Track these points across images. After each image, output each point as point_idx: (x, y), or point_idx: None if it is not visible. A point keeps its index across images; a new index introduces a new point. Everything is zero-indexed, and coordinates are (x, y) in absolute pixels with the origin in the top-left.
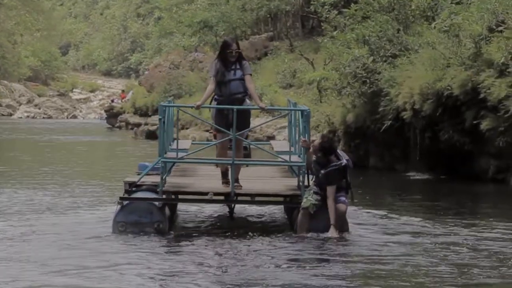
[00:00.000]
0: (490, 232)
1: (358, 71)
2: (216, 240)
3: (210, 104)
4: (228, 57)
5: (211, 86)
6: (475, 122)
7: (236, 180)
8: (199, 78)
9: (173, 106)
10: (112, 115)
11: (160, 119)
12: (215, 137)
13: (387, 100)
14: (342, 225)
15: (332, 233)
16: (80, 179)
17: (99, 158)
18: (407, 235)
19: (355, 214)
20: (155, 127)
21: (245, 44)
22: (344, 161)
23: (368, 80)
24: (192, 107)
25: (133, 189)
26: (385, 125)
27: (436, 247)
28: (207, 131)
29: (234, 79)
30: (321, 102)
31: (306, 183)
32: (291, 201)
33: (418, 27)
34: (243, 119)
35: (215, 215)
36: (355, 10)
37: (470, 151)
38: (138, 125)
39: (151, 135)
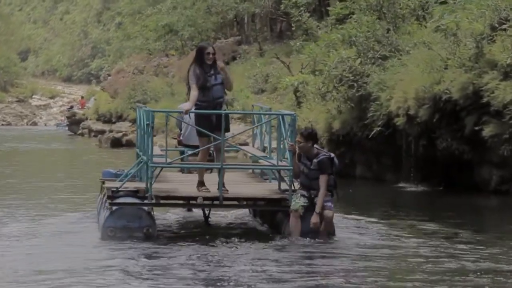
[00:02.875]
0: (496, 249)
1: (344, 74)
2: (201, 245)
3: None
4: (205, 61)
5: (194, 92)
6: (476, 128)
7: (223, 185)
8: (165, 84)
9: (162, 112)
10: (74, 122)
11: (147, 125)
12: (179, 143)
13: (377, 105)
14: (329, 229)
15: (314, 219)
16: (50, 189)
17: (65, 167)
18: (396, 240)
19: (343, 222)
20: (120, 134)
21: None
22: (332, 154)
23: (355, 84)
24: (181, 112)
25: (116, 194)
26: (374, 132)
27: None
28: (175, 138)
29: (216, 84)
30: (299, 107)
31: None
32: (280, 205)
33: (409, 26)
34: (226, 123)
35: (191, 220)
36: (341, 9)
37: (470, 160)
38: (101, 132)
39: (116, 143)
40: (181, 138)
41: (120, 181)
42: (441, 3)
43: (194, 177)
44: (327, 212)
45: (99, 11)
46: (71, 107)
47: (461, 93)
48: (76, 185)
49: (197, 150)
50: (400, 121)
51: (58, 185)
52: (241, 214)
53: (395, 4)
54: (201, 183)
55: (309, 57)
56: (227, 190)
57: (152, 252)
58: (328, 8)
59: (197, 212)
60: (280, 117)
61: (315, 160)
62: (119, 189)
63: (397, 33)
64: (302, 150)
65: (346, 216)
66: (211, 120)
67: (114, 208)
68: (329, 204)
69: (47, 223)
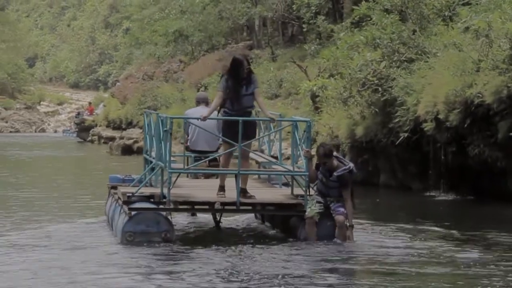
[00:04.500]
0: None
1: (368, 78)
2: (219, 248)
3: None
4: (241, 75)
5: (218, 100)
6: (510, 134)
7: (243, 190)
8: (175, 89)
9: (179, 118)
10: (83, 129)
11: (165, 131)
12: (186, 148)
13: (403, 110)
14: (343, 234)
15: (349, 234)
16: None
17: (78, 175)
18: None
19: (373, 230)
20: (131, 141)
21: (222, 53)
22: (351, 165)
23: (380, 88)
24: (198, 119)
25: (132, 199)
26: (401, 138)
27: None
28: (182, 143)
29: (247, 94)
30: (318, 113)
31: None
32: (295, 210)
33: (435, 28)
34: (253, 130)
35: (200, 225)
36: (366, 9)
37: (503, 169)
38: (111, 139)
39: (127, 150)
40: (188, 144)
41: (134, 186)
42: (464, 4)
43: (206, 182)
44: (338, 217)
45: (107, 17)
46: (78, 113)
47: (495, 97)
48: (91, 192)
49: (210, 158)
50: (428, 126)
51: (72, 192)
52: (248, 219)
53: (420, 4)
54: (221, 188)
55: (327, 61)
56: (253, 196)
57: (171, 257)
58: (343, 11)
59: (200, 217)
60: (295, 123)
61: (335, 174)
62: (135, 194)
63: (423, 35)
64: (329, 167)
65: (373, 223)
66: (237, 129)
67: (133, 213)
68: (341, 209)
69: (59, 229)
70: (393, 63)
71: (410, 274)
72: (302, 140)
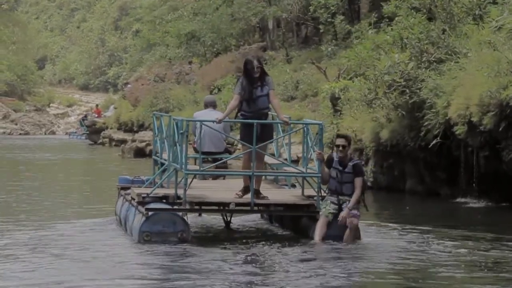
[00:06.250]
0: None
1: (396, 79)
2: (231, 249)
3: (236, 119)
4: (252, 74)
5: (234, 102)
6: None
7: (257, 191)
8: (188, 91)
9: (195, 121)
10: (94, 131)
11: (181, 133)
12: (195, 150)
13: (433, 113)
14: (355, 235)
15: (344, 213)
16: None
17: (92, 178)
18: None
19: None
20: (143, 144)
21: (235, 55)
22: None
23: (407, 90)
24: (214, 121)
25: (146, 199)
26: (433, 142)
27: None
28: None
29: (262, 95)
30: (340, 115)
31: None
32: (308, 210)
33: (465, 27)
34: (269, 132)
35: (210, 225)
36: (395, 8)
37: None
38: (123, 141)
39: (139, 153)
40: (195, 145)
41: (146, 187)
42: (493, 2)
43: (214, 184)
44: (353, 220)
45: (116, 18)
46: (85, 116)
47: None
48: (103, 193)
49: (220, 163)
50: (460, 130)
51: (84, 193)
52: (255, 219)
53: (450, 2)
54: (246, 189)
55: (349, 62)
56: (266, 197)
57: (187, 256)
58: (361, 11)
59: (208, 217)
60: (306, 126)
61: (350, 164)
62: (149, 195)
63: (453, 34)
64: (344, 154)
65: (401, 227)
66: (256, 129)
67: (150, 213)
68: (355, 212)
69: (71, 229)
70: (422, 64)
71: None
72: (314, 143)
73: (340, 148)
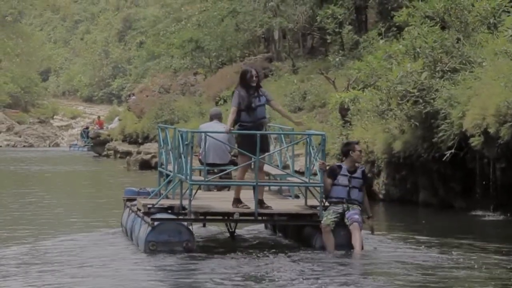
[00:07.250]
0: None
1: (409, 90)
2: (237, 258)
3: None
4: (251, 83)
5: (232, 116)
6: None
7: (260, 201)
8: (193, 103)
9: (199, 132)
10: (98, 143)
11: (186, 145)
12: (200, 161)
13: (447, 124)
14: (359, 239)
15: (371, 224)
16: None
17: (98, 191)
18: None
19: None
20: (149, 156)
21: (240, 66)
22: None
23: (420, 100)
24: (222, 132)
25: (152, 210)
26: (448, 154)
27: None
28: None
29: (260, 105)
30: (350, 126)
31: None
32: (311, 220)
33: (479, 36)
34: (267, 141)
35: (213, 235)
36: (408, 16)
37: None
38: (128, 153)
39: (145, 165)
40: (200, 157)
41: (152, 198)
42: (506, 11)
43: (219, 194)
44: (354, 223)
45: (120, 30)
46: (87, 128)
47: None
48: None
49: (224, 173)
50: (476, 141)
51: (90, 205)
52: (259, 229)
53: (464, 11)
54: (237, 201)
55: (360, 72)
56: (270, 206)
57: (192, 265)
58: (368, 21)
59: (212, 228)
60: (309, 137)
61: (359, 169)
62: (155, 206)
63: (468, 43)
64: (359, 159)
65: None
66: (254, 140)
67: (155, 223)
68: (356, 216)
69: (78, 240)
70: (435, 74)
71: None
72: (317, 153)
73: (362, 154)
